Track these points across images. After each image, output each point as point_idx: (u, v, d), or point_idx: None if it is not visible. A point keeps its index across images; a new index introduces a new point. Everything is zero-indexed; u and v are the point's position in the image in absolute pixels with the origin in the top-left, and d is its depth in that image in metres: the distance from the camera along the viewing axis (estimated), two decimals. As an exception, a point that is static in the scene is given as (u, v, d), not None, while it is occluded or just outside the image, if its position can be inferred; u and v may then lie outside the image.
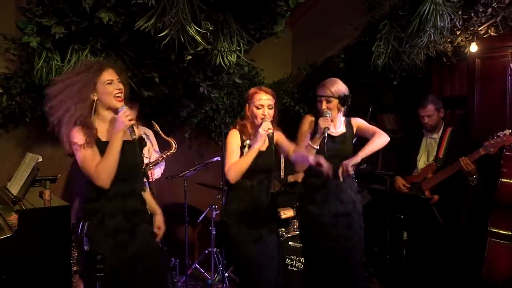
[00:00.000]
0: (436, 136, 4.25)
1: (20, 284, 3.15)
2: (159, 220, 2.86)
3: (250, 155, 3.00)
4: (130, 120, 2.49)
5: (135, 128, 2.65)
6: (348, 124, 3.47)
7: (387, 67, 4.44)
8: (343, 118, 3.46)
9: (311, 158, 2.99)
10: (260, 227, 3.09)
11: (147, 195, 2.84)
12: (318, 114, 3.39)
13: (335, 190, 3.34)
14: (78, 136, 2.47)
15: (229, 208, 3.12)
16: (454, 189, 4.09)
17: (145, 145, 2.74)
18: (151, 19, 3.23)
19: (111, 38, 3.68)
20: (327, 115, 3.24)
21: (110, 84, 2.57)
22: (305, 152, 3.15)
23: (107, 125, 2.60)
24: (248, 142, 3.10)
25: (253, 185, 3.08)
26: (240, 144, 3.10)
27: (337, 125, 3.42)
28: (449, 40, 4.39)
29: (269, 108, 3.08)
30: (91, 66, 2.60)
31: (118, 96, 2.56)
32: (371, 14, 4.49)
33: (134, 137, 2.55)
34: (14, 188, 3.69)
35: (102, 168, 2.46)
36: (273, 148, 3.09)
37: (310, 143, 3.23)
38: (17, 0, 3.93)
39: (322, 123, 3.20)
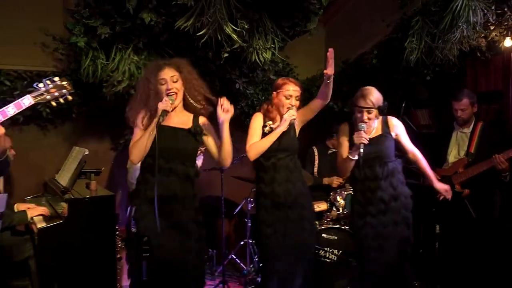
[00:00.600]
0: (467, 130, 4.21)
1: (69, 269, 3.37)
2: None
3: (272, 137, 3.16)
4: (165, 108, 2.71)
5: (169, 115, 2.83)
6: (385, 125, 3.46)
7: (420, 62, 4.43)
8: (377, 120, 3.46)
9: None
10: (295, 207, 3.23)
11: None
12: (352, 122, 3.45)
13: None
14: (137, 119, 2.81)
15: (265, 190, 3.25)
16: (486, 184, 4.05)
17: (200, 133, 2.87)
18: (190, 19, 3.40)
19: (152, 37, 3.85)
20: (362, 128, 3.26)
21: (163, 84, 2.81)
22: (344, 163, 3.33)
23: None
24: (270, 122, 3.25)
25: (274, 164, 3.22)
26: (262, 124, 3.27)
27: (372, 130, 3.42)
28: (482, 35, 4.35)
29: (297, 99, 3.25)
30: (149, 68, 2.95)
31: (170, 94, 2.79)
32: (403, 10, 4.50)
33: (161, 120, 2.71)
34: (63, 179, 3.90)
35: (134, 145, 2.76)
36: (295, 130, 3.27)
37: (349, 156, 3.31)
38: (65, 3, 4.17)
39: (357, 139, 3.22)
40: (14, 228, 3.61)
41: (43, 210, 3.63)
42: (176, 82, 2.82)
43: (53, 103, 2.42)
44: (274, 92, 3.31)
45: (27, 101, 2.31)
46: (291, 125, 3.22)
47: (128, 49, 3.89)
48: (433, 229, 4.00)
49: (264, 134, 3.23)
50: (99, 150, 4.96)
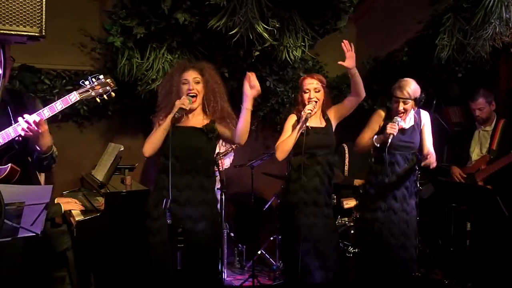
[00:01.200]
0: (489, 128, 4.27)
1: (105, 260, 3.49)
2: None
3: (293, 135, 3.22)
4: (182, 106, 2.78)
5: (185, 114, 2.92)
6: (418, 116, 3.54)
7: (451, 59, 4.43)
8: (412, 111, 3.50)
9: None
10: (320, 204, 3.27)
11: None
12: (389, 111, 3.50)
13: (392, 186, 3.44)
14: (157, 117, 2.94)
15: (291, 187, 3.33)
16: (508, 179, 4.05)
17: (212, 131, 2.93)
18: (223, 18, 3.47)
19: (186, 36, 3.92)
20: (396, 122, 3.33)
21: (185, 84, 2.91)
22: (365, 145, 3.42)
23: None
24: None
25: (317, 160, 3.27)
26: (295, 124, 3.32)
27: (407, 120, 3.48)
28: None
29: (316, 91, 3.30)
30: (175, 67, 3.10)
31: (192, 96, 2.88)
32: (434, 7, 4.48)
33: (177, 115, 2.78)
34: (99, 174, 3.99)
35: (148, 139, 2.88)
36: (330, 127, 3.32)
37: (374, 141, 3.38)
38: (103, 4, 4.28)
39: (389, 129, 3.30)
40: (53, 220, 3.73)
41: (74, 202, 3.78)
42: (197, 83, 2.92)
43: (98, 99, 2.52)
44: (299, 92, 3.42)
45: (73, 97, 2.41)
46: (327, 121, 3.28)
47: (162, 48, 3.97)
48: (464, 227, 4.00)
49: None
50: (133, 147, 4.94)
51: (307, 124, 3.25)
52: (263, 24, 3.52)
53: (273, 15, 3.56)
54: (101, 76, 2.55)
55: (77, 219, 3.49)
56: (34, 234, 2.19)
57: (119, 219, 3.49)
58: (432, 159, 3.38)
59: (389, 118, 3.44)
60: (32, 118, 2.28)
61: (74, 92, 2.43)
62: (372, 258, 3.48)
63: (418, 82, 4.85)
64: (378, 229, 3.39)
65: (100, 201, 3.79)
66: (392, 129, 3.27)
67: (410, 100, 3.35)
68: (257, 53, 3.84)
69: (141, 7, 3.72)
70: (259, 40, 3.68)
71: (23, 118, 2.29)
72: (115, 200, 3.52)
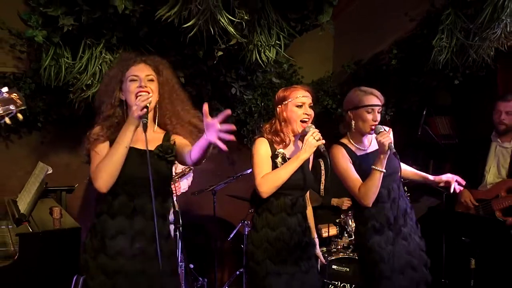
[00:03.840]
0: (508, 145, 3.83)
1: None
2: None
3: (293, 165, 2.58)
4: (143, 106, 2.16)
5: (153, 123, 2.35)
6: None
7: (449, 63, 4.04)
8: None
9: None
10: (294, 259, 2.69)
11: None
12: (342, 143, 2.97)
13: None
14: (95, 132, 2.30)
15: (256, 235, 2.70)
16: None
17: (170, 152, 2.31)
18: (175, 6, 2.89)
19: (129, 31, 3.40)
20: (381, 129, 2.78)
21: (134, 81, 2.28)
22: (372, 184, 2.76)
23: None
24: (282, 150, 2.71)
25: (283, 205, 2.67)
26: (271, 154, 2.70)
27: (372, 140, 2.96)
28: None
29: (310, 107, 2.74)
30: (119, 60, 2.53)
31: (141, 95, 2.22)
32: (431, 1, 4.07)
33: (145, 121, 2.16)
34: (22, 202, 3.50)
35: (102, 165, 2.20)
36: (327, 166, 2.73)
37: (376, 168, 2.73)
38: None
39: (383, 138, 2.70)
40: None
41: None
42: (151, 82, 2.31)
43: None
44: (279, 107, 2.73)
45: None
46: (325, 157, 2.66)
47: (99, 46, 3.38)
48: (467, 264, 3.50)
49: (275, 167, 2.66)
50: (72, 164, 4.56)
51: (286, 155, 2.70)
52: (228, 15, 2.94)
53: (241, 4, 2.98)
54: (5, 89, 2.04)
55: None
56: None
57: (38, 267, 2.86)
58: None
59: (348, 149, 2.93)
60: None
61: None
62: None
63: (405, 89, 4.77)
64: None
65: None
66: (385, 137, 2.70)
67: (381, 107, 2.89)
68: (220, 53, 3.35)
69: (67, -10, 3.05)
70: (223, 37, 3.14)
71: None
72: (33, 243, 2.86)
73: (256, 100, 4.84)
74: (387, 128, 2.86)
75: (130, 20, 3.15)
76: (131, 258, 2.24)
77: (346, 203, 4.40)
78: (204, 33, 3.03)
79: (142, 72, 2.30)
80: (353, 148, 2.90)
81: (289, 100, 2.69)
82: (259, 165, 2.64)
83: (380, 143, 2.71)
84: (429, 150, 5.14)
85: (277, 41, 3.33)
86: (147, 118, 2.16)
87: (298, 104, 2.68)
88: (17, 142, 4.45)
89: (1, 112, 2.00)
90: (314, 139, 2.55)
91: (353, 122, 2.89)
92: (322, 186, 4.61)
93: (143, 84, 2.26)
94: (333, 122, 5.10)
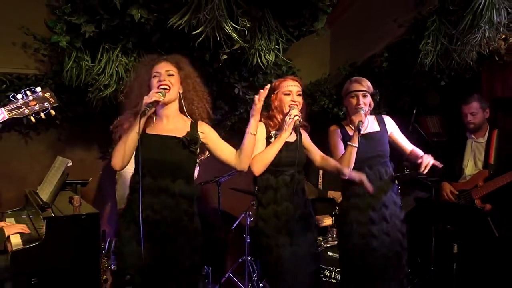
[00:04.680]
0: (482, 139, 4.02)
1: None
2: None
3: (277, 145, 2.83)
4: (151, 100, 2.37)
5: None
6: (381, 122, 3.32)
7: (435, 66, 4.22)
8: (372, 117, 3.30)
9: (350, 174, 2.91)
10: (293, 230, 2.91)
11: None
12: (342, 122, 3.29)
13: (377, 196, 3.15)
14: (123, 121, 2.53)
15: (264, 211, 2.94)
16: (509, 198, 3.81)
17: (194, 143, 2.50)
18: (185, 15, 3.11)
19: (143, 36, 3.59)
20: (361, 111, 3.07)
21: (156, 77, 2.50)
22: (339, 165, 3.00)
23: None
24: (274, 132, 2.95)
25: (285, 180, 2.90)
26: (266, 135, 2.94)
27: (365, 123, 3.18)
28: (503, 36, 4.11)
29: (298, 95, 2.98)
30: (143, 62, 2.69)
31: (163, 89, 2.45)
32: (418, 9, 4.27)
33: (146, 110, 2.37)
34: (44, 193, 3.64)
35: (115, 149, 2.44)
36: (301, 140, 2.89)
37: (350, 143, 3.03)
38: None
39: (355, 118, 3.04)
40: None
41: (21, 227, 3.34)
42: (171, 76, 2.52)
43: (32, 119, 2.14)
44: (273, 95, 3.00)
45: (0, 115, 2.02)
46: (298, 133, 2.86)
47: (116, 50, 3.60)
48: (450, 249, 3.67)
49: None
50: (86, 159, 4.80)
51: (275, 135, 2.92)
52: (232, 23, 3.17)
53: (243, 13, 3.22)
54: (38, 89, 2.22)
55: (14, 248, 3.05)
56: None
57: (63, 248, 3.08)
58: (426, 158, 3.09)
59: (344, 131, 3.23)
60: None
61: (2, 109, 2.05)
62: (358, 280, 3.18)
63: (397, 90, 4.80)
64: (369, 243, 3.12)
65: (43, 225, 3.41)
66: (358, 117, 3.02)
67: (368, 94, 3.17)
68: (225, 56, 3.54)
69: (89, 1, 3.31)
70: (228, 42, 3.35)
71: None
72: (58, 225, 3.10)
73: None
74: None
75: (145, 27, 3.37)
76: (157, 227, 2.44)
77: (341, 196, 4.61)
78: (210, 38, 3.24)
79: (162, 68, 2.50)
80: (348, 130, 3.18)
81: (279, 89, 2.95)
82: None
83: (351, 120, 3.06)
84: (420, 147, 5.30)
85: (276, 46, 3.52)
86: (150, 107, 2.36)
87: (286, 92, 2.94)
88: (35, 138, 4.62)
89: (38, 108, 2.21)
90: (289, 117, 2.79)
91: (346, 109, 3.24)
92: (320, 180, 4.80)
93: (162, 78, 2.46)
94: (330, 120, 5.14)
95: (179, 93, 2.54)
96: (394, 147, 3.32)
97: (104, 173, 4.85)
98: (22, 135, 4.53)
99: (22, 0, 4.09)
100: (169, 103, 2.52)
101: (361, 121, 3.01)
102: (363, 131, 3.12)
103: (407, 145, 3.32)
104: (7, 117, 2.11)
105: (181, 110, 2.60)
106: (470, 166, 4.06)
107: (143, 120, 2.35)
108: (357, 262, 3.13)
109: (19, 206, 4.09)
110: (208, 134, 2.60)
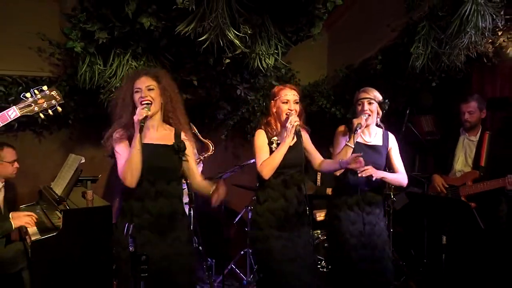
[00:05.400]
0: (474, 138, 4.15)
1: (64, 281, 3.25)
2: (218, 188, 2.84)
3: (282, 150, 3.01)
4: (140, 118, 2.51)
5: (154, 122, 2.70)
6: (385, 138, 3.43)
7: (426, 68, 4.38)
8: (381, 130, 3.43)
9: (343, 164, 3.02)
10: (290, 226, 3.09)
11: (201, 181, 2.86)
12: (349, 125, 3.38)
13: (365, 198, 3.33)
14: (116, 134, 2.63)
15: (260, 207, 3.11)
16: (492, 195, 3.98)
17: (183, 149, 2.72)
18: (191, 23, 3.29)
19: (152, 42, 3.76)
20: (363, 116, 3.23)
21: (137, 92, 2.65)
22: (333, 165, 3.16)
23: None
24: (275, 138, 3.10)
25: (284, 181, 3.08)
26: (267, 141, 3.10)
27: (372, 134, 3.38)
28: (490, 40, 4.31)
29: (295, 103, 3.11)
30: (127, 77, 2.85)
31: (143, 104, 2.60)
32: (410, 15, 4.43)
33: (141, 126, 2.52)
34: (58, 188, 3.80)
35: (127, 166, 2.52)
36: (301, 143, 3.10)
37: (347, 143, 3.20)
38: (62, 7, 4.07)
39: (356, 120, 3.19)
40: (9, 237, 3.54)
41: (27, 221, 3.51)
42: (151, 90, 2.65)
43: (41, 115, 2.29)
44: (272, 101, 3.18)
45: (12, 113, 2.21)
46: (298, 135, 3.06)
47: (127, 55, 3.80)
48: (439, 240, 3.78)
49: (272, 152, 3.09)
50: (95, 157, 4.83)
51: (279, 142, 3.09)
52: (234, 30, 3.37)
53: (245, 21, 3.41)
54: (45, 88, 2.37)
55: (32, 238, 3.26)
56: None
57: (78, 238, 3.29)
58: (370, 170, 3.16)
59: (350, 130, 3.34)
60: None
61: (14, 107, 2.22)
62: (344, 273, 3.34)
63: (391, 91, 4.93)
64: (350, 241, 3.28)
65: (59, 216, 3.55)
66: (358, 120, 3.18)
67: (374, 101, 3.29)
68: (227, 60, 3.71)
69: (102, 10, 3.52)
70: (230, 47, 3.53)
71: None
72: (74, 217, 3.33)
73: (258, 100, 5.16)
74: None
75: (153, 33, 3.55)
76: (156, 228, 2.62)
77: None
78: (214, 44, 3.41)
79: (143, 84, 2.63)
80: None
81: (278, 97, 3.12)
82: (258, 154, 3.08)
83: (352, 124, 3.20)
84: (415, 146, 5.30)
85: (275, 50, 3.69)
86: (143, 123, 2.52)
87: (284, 101, 3.08)
88: (48, 137, 4.78)
89: (46, 106, 2.33)
90: (290, 123, 2.97)
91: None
92: (318, 177, 4.96)
93: (143, 94, 2.60)
94: (328, 119, 5.42)
95: (161, 104, 2.70)
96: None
97: (113, 170, 4.92)
98: (36, 134, 4.68)
99: (37, 7, 4.29)
100: (153, 115, 2.68)
101: (360, 123, 3.15)
102: (370, 142, 3.33)
103: (398, 166, 3.42)
104: (19, 114, 2.23)
105: (164, 120, 2.77)
106: (461, 162, 4.18)
107: (137, 138, 2.50)
108: (345, 254, 3.27)
109: (33, 201, 4.27)
110: (187, 144, 2.78)
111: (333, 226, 3.40)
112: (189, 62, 3.94)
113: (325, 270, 4.22)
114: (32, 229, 3.47)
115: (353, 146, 3.18)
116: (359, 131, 3.17)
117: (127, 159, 2.53)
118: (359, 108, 3.32)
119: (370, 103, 3.29)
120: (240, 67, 4.03)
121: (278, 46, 3.76)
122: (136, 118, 2.52)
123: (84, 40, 3.74)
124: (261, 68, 3.79)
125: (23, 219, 3.50)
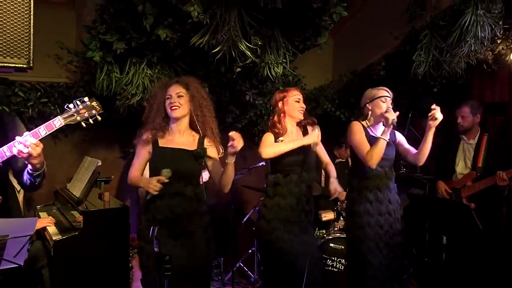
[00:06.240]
0: (473, 141, 4.26)
1: (83, 278, 3.42)
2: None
3: (294, 143, 3.17)
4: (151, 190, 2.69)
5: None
6: (392, 134, 3.51)
7: (427, 75, 4.48)
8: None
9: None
10: (298, 222, 3.22)
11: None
12: (360, 119, 3.49)
13: (385, 190, 3.43)
14: (144, 135, 2.86)
15: (269, 201, 3.25)
16: (492, 196, 4.10)
17: (202, 155, 2.84)
18: (205, 36, 3.43)
19: (166, 52, 3.89)
20: (390, 110, 3.28)
21: (168, 99, 2.83)
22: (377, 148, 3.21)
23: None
24: (281, 138, 3.25)
25: (290, 179, 3.22)
26: (274, 141, 3.26)
27: (380, 130, 3.43)
28: (489, 48, 4.41)
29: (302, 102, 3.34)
30: (158, 85, 3.02)
31: (173, 108, 2.80)
32: (412, 24, 4.55)
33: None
34: (76, 189, 3.92)
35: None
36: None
37: (382, 137, 3.22)
38: (80, 19, 4.21)
39: (390, 115, 3.18)
40: None
41: (47, 222, 3.69)
42: (180, 97, 2.82)
43: (83, 124, 2.45)
44: (280, 103, 3.34)
45: (58, 122, 2.35)
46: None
47: (142, 63, 3.93)
48: (440, 240, 3.90)
49: None
50: (108, 159, 5.02)
51: (282, 140, 3.24)
52: (246, 42, 3.50)
53: (255, 32, 3.54)
54: (86, 99, 2.48)
55: (54, 238, 3.41)
56: (17, 265, 2.13)
57: (98, 238, 3.45)
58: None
59: (365, 128, 3.43)
60: (31, 140, 2.23)
61: (58, 117, 2.37)
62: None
63: (394, 95, 5.02)
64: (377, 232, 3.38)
65: (76, 216, 3.75)
66: (392, 114, 3.18)
67: (390, 98, 3.39)
68: (238, 69, 3.84)
69: (121, 22, 3.66)
70: (241, 57, 3.66)
71: (18, 140, 2.25)
72: (93, 218, 3.48)
73: (266, 104, 5.28)
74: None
75: (168, 44, 3.68)
76: (175, 226, 2.78)
77: (343, 194, 4.61)
78: (226, 55, 3.55)
79: (174, 91, 2.82)
80: (368, 130, 3.40)
81: (288, 97, 3.30)
82: (265, 144, 3.24)
83: (385, 117, 3.19)
84: (416, 148, 5.48)
85: (283, 60, 3.81)
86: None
87: (296, 100, 3.30)
88: (63, 140, 4.91)
89: (87, 115, 2.43)
90: (317, 137, 3.16)
91: (370, 113, 3.39)
92: (322, 178, 4.98)
93: (173, 100, 2.78)
94: (332, 123, 5.54)
95: (190, 110, 2.87)
96: (400, 150, 3.55)
97: (125, 171, 4.98)
98: (51, 136, 4.62)
99: (54, 16, 4.42)
100: (181, 118, 2.85)
101: (395, 118, 3.17)
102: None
103: (411, 148, 3.54)
104: (63, 124, 2.37)
105: (190, 126, 2.93)
106: (461, 165, 4.29)
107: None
108: (365, 248, 3.35)
109: (49, 201, 4.39)
110: (212, 149, 2.91)
111: (353, 220, 3.46)
112: (201, 70, 4.06)
113: (330, 268, 4.27)
114: (51, 229, 3.62)
115: (388, 140, 3.24)
116: (392, 125, 3.20)
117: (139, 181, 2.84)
118: (383, 104, 3.35)
119: (391, 102, 3.39)
120: (249, 75, 4.15)
121: (286, 55, 3.88)
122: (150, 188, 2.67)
123: (103, 50, 3.88)
124: (270, 76, 3.91)
125: (43, 220, 3.67)
